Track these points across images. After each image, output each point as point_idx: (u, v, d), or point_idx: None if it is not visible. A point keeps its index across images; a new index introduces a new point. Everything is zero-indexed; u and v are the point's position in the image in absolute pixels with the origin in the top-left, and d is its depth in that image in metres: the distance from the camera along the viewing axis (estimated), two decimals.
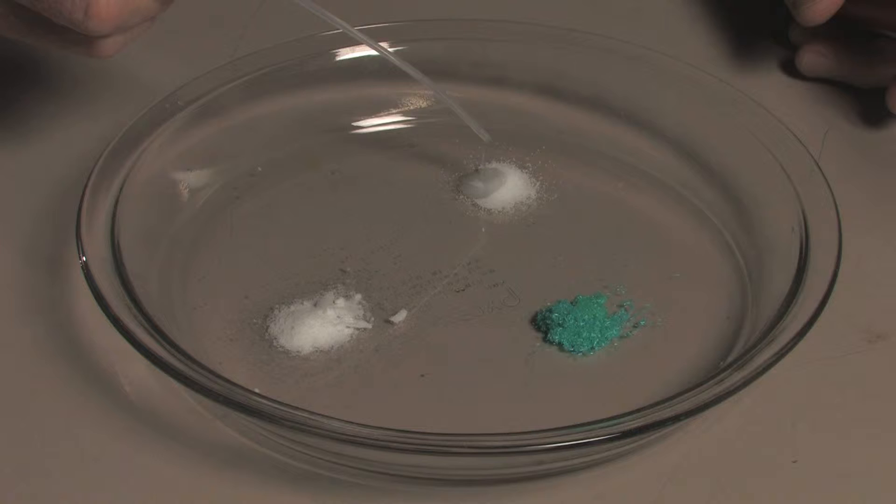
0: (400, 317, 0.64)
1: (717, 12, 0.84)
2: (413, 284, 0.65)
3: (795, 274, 0.62)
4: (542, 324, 0.63)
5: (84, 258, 0.61)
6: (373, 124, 0.75)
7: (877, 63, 0.76)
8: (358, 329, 0.63)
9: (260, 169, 0.72)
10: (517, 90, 0.75)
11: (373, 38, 0.74)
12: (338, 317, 0.63)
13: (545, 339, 0.63)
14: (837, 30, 0.77)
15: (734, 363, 0.58)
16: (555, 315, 0.63)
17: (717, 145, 0.71)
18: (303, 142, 0.73)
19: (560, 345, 0.62)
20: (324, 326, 0.63)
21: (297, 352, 0.62)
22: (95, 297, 0.60)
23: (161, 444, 0.59)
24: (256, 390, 0.57)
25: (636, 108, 0.73)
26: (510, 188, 0.70)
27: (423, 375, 0.61)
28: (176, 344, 0.58)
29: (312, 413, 0.55)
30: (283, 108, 0.73)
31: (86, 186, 0.64)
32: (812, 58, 0.77)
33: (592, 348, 0.62)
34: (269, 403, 0.55)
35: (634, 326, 0.64)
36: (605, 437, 0.55)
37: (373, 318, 0.64)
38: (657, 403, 0.56)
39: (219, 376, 0.57)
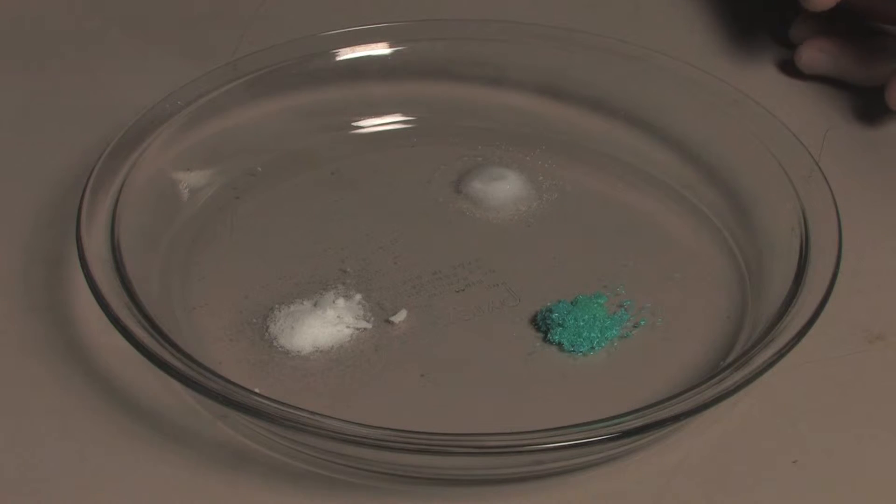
0: (400, 317, 0.64)
1: (716, 12, 0.84)
2: (413, 284, 0.65)
3: (795, 274, 0.62)
4: (542, 324, 0.63)
5: (84, 258, 0.61)
6: (373, 124, 0.75)
7: (876, 60, 0.76)
8: (358, 329, 0.63)
9: (260, 169, 0.72)
10: (517, 90, 0.75)
11: (373, 38, 0.74)
12: (338, 317, 0.63)
13: (545, 339, 0.63)
14: (837, 27, 0.77)
15: (734, 363, 0.58)
16: (555, 315, 0.63)
17: (717, 145, 0.71)
18: (303, 142, 0.73)
19: (560, 345, 0.62)
20: (324, 326, 0.63)
21: (297, 352, 0.62)
22: (95, 297, 0.59)
23: (161, 444, 0.59)
24: (256, 390, 0.57)
25: (636, 108, 0.73)
26: (510, 188, 0.70)
27: (423, 375, 0.61)
28: (176, 344, 0.58)
29: (312, 413, 0.55)
30: (283, 108, 0.73)
31: (86, 186, 0.64)
32: (811, 54, 0.77)
33: (592, 348, 0.62)
34: (269, 403, 0.55)
35: (634, 326, 0.64)
36: (605, 437, 0.55)
37: (373, 318, 0.64)
38: (657, 403, 0.56)
39: (219, 376, 0.57)
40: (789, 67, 0.79)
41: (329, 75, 0.74)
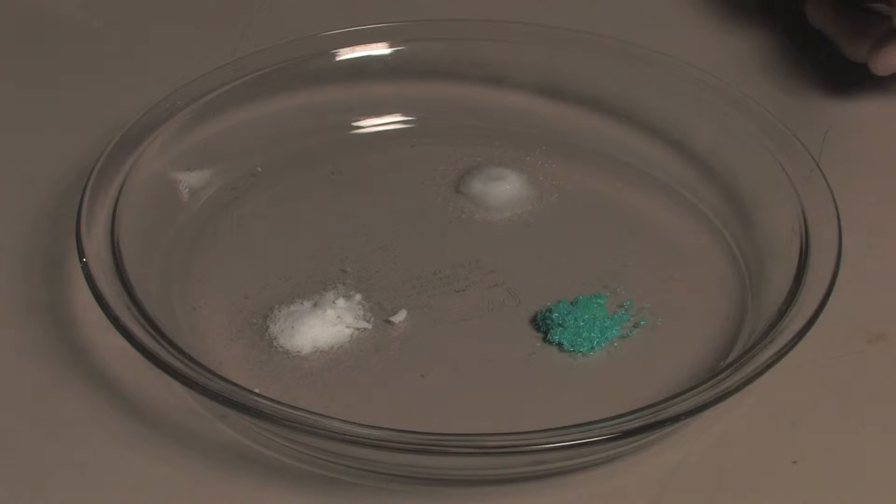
0: (400, 317, 0.64)
1: (717, 12, 0.84)
2: (413, 284, 0.65)
3: (795, 274, 0.62)
4: (542, 324, 0.63)
5: (84, 258, 0.61)
6: (373, 124, 0.75)
7: (864, 35, 0.75)
8: (358, 329, 0.63)
9: (260, 169, 0.72)
10: (517, 90, 0.75)
11: (373, 38, 0.74)
12: (338, 317, 0.63)
13: (545, 339, 0.63)
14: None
15: (734, 363, 0.58)
16: (555, 315, 0.63)
17: (717, 145, 0.71)
18: (303, 142, 0.73)
19: (560, 345, 0.62)
20: (324, 326, 0.63)
21: (297, 352, 0.62)
22: (95, 297, 0.59)
23: (161, 444, 0.59)
24: (256, 390, 0.57)
25: (636, 108, 0.73)
26: (510, 188, 0.70)
27: (423, 375, 0.61)
28: (176, 344, 0.58)
29: (312, 413, 0.55)
30: (283, 108, 0.73)
31: (86, 186, 0.64)
32: (816, 8, 0.77)
33: (592, 348, 0.62)
34: (269, 403, 0.55)
35: (634, 326, 0.64)
36: (605, 437, 0.55)
37: (373, 318, 0.64)
38: (657, 403, 0.56)
39: (219, 376, 0.57)
40: (790, 68, 0.79)
41: (329, 75, 0.74)
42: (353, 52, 0.74)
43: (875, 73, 0.73)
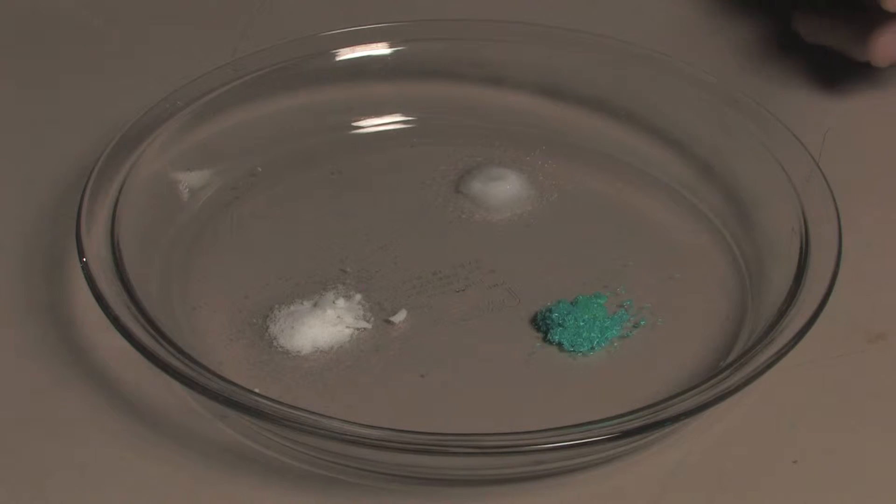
0: (400, 317, 0.64)
1: (716, 12, 0.84)
2: (413, 284, 0.65)
3: (795, 274, 0.62)
4: (542, 324, 0.63)
5: (84, 258, 0.61)
6: (373, 124, 0.75)
7: (865, 33, 0.75)
8: (358, 329, 0.63)
9: (260, 169, 0.72)
10: (517, 90, 0.75)
11: (373, 38, 0.74)
12: (338, 317, 0.63)
13: (545, 339, 0.63)
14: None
15: (734, 363, 0.58)
16: (555, 315, 0.63)
17: (717, 145, 0.71)
18: (303, 142, 0.73)
19: (560, 345, 0.62)
20: (324, 326, 0.63)
21: (297, 352, 0.62)
22: (95, 297, 0.59)
23: (161, 444, 0.59)
24: (256, 390, 0.57)
25: (636, 108, 0.73)
26: (510, 188, 0.70)
27: (423, 375, 0.61)
28: (176, 344, 0.58)
29: (312, 413, 0.55)
30: (283, 108, 0.73)
31: (86, 186, 0.64)
32: (808, 21, 0.77)
33: (592, 348, 0.62)
34: (269, 403, 0.55)
35: (634, 326, 0.64)
36: (605, 437, 0.55)
37: (373, 318, 0.64)
38: (657, 403, 0.56)
39: (219, 376, 0.57)
40: (789, 67, 0.79)
41: (329, 75, 0.74)
42: (353, 52, 0.74)
43: (875, 64, 0.73)
